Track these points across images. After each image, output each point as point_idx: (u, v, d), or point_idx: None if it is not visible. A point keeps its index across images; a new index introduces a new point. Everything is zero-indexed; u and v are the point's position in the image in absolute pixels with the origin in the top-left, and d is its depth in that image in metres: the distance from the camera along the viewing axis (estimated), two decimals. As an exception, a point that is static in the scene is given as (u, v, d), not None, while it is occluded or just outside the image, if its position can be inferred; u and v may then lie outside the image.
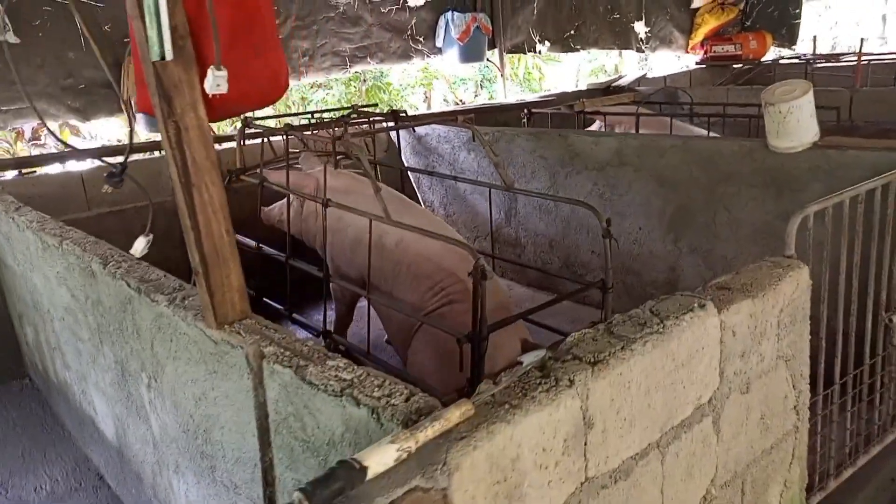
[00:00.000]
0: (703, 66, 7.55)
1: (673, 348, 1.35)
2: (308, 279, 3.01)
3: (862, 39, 5.70)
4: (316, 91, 6.57)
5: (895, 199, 2.19)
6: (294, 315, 3.21)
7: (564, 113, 4.91)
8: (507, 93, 5.74)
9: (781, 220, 2.96)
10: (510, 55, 6.05)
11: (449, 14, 5.22)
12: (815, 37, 7.26)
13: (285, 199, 3.16)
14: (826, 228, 1.99)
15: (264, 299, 3.40)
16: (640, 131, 4.56)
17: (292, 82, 4.59)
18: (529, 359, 1.23)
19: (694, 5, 7.58)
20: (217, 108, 1.45)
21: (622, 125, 4.66)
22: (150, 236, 2.13)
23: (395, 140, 4.74)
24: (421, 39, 5.24)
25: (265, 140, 3.35)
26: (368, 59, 4.89)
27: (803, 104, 2.73)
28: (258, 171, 3.14)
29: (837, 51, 9.72)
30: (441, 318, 2.73)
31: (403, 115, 3.58)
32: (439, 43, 5.32)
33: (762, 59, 7.25)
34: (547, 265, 4.11)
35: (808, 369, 1.81)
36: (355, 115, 3.62)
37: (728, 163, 3.12)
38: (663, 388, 1.34)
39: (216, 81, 1.29)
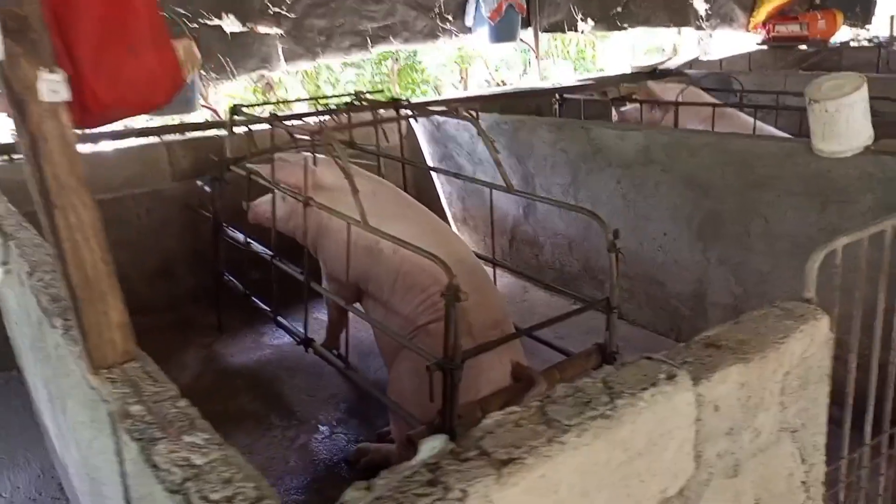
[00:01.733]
0: (766, 47, 6.96)
1: (625, 436, 1.06)
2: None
3: None
4: (343, 71, 6.32)
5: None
6: (279, 318, 3.02)
7: (599, 100, 4.54)
8: (555, 73, 5.37)
9: (826, 234, 2.60)
10: (554, 34, 5.67)
11: (480, -9, 4.88)
12: (892, 16, 6.57)
13: (271, 195, 2.94)
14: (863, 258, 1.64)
15: (253, 298, 3.22)
16: (683, 124, 4.17)
17: (309, 63, 4.36)
18: (425, 451, 0.96)
19: (758, -20, 6.97)
20: (95, 114, 1.22)
21: (661, 114, 4.26)
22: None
23: (415, 128, 4.48)
24: (450, 18, 4.92)
25: (249, 129, 3.13)
26: (392, 39, 4.61)
27: (855, 102, 2.32)
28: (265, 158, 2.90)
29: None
30: (427, 336, 2.48)
31: (406, 103, 3.29)
32: (469, 22, 4.99)
33: (830, 41, 6.62)
34: (566, 268, 3.79)
35: (824, 437, 1.49)
36: (358, 104, 3.36)
37: (766, 166, 2.74)
38: (610, 487, 1.06)
39: (51, 87, 1.06)
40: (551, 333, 3.29)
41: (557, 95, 4.68)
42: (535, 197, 2.85)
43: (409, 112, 3.22)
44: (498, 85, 8.64)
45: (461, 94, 5.62)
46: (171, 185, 3.76)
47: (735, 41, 7.44)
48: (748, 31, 7.15)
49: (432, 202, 4.56)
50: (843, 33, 7.00)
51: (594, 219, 2.36)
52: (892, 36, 6.54)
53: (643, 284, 3.38)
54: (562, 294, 2.77)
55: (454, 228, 4.55)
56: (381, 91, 4.35)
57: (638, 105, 4.39)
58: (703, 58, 6.53)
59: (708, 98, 4.29)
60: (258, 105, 3.45)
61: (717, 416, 1.20)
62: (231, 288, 3.36)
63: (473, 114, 2.88)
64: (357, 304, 2.83)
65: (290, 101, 4.10)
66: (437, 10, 4.81)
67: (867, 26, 6.80)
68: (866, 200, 2.45)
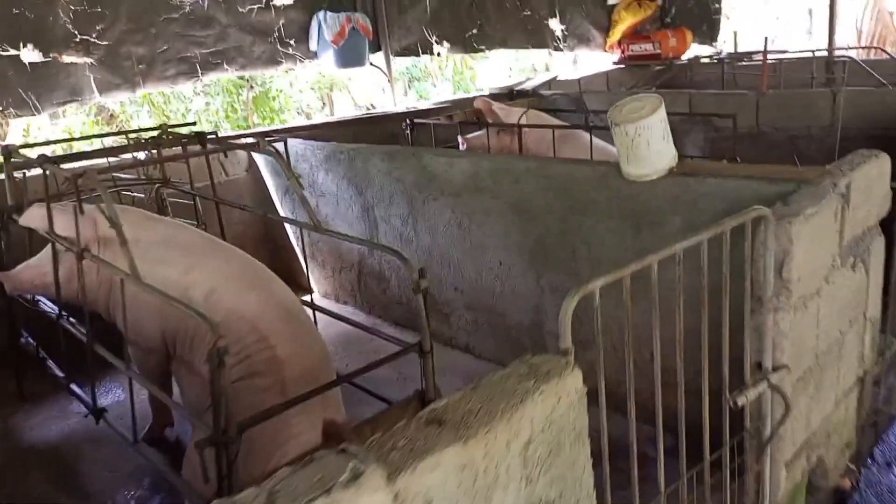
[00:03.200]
0: (623, 66, 7.15)
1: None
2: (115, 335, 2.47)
3: (766, 38, 5.32)
4: (192, 100, 5.97)
5: (728, 253, 1.74)
6: (72, 385, 2.68)
7: (447, 124, 4.43)
8: (428, 94, 5.23)
9: (642, 258, 2.54)
10: (408, 57, 5.56)
11: (321, 14, 4.69)
12: (735, 32, 6.91)
13: (40, 257, 2.59)
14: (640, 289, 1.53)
15: (47, 363, 2.86)
16: (531, 147, 4.12)
17: (127, 94, 4.02)
18: None
19: (611, 1, 7.17)
20: None
21: (510, 138, 4.19)
22: None
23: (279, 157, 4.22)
24: (291, 42, 4.70)
25: (24, 174, 2.78)
26: (226, 66, 4.33)
27: (653, 124, 2.27)
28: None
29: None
30: (236, 395, 2.22)
31: (212, 136, 3.04)
32: (313, 46, 4.79)
33: (680, 59, 6.87)
34: (413, 303, 3.61)
35: (592, 500, 1.35)
36: (164, 138, 3.07)
37: (583, 190, 2.67)
38: None
39: None
40: (395, 374, 3.12)
41: (408, 120, 4.54)
42: (340, 235, 2.63)
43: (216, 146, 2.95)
44: (368, 109, 8.51)
45: (313, 120, 5.39)
46: (-40, 236, 3.33)
47: (602, 61, 7.62)
48: (605, 50, 7.33)
49: (283, 237, 4.31)
50: (694, 50, 7.30)
51: (398, 258, 2.19)
52: (735, 52, 6.85)
53: (486, 316, 3.25)
54: (379, 336, 2.57)
55: (303, 264, 4.30)
56: (193, 123, 4.05)
57: (486, 130, 4.31)
58: (562, 77, 6.60)
59: (550, 120, 4.26)
60: (46, 144, 3.09)
61: (429, 510, 1.03)
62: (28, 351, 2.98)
63: (276, 148, 2.67)
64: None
65: (90, 137, 3.72)
66: (276, 34, 4.58)
67: (714, 43, 7.11)
68: (675, 222, 2.41)
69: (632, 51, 7.10)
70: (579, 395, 1.27)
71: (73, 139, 3.73)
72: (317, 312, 2.76)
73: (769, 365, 1.87)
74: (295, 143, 3.97)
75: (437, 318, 3.50)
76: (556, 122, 4.32)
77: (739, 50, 7.08)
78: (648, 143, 2.30)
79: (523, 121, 4.14)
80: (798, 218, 1.84)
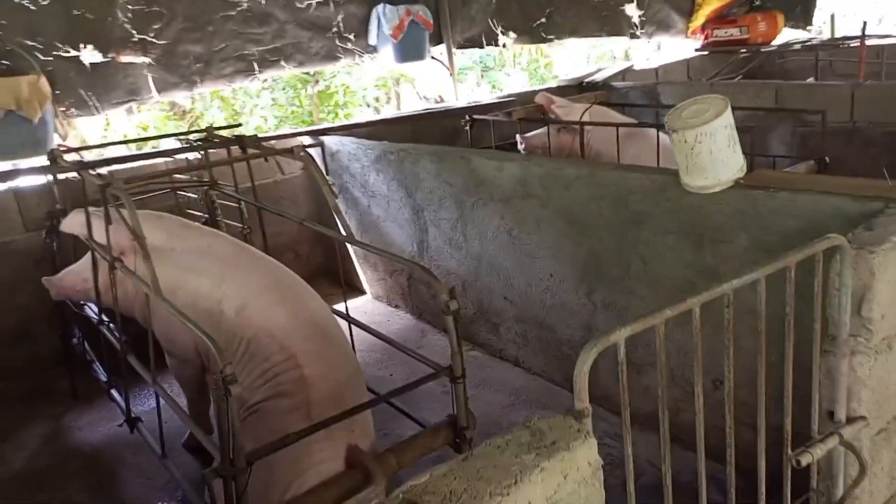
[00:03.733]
0: (706, 53, 6.69)
1: None
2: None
3: (865, 22, 4.80)
4: (260, 96, 5.99)
5: (793, 289, 1.49)
6: (111, 391, 2.68)
7: (507, 121, 4.22)
8: (501, 85, 5.03)
9: (703, 277, 2.29)
10: (471, 49, 5.37)
11: (381, 7, 4.57)
12: (832, 15, 6.32)
13: (81, 263, 2.58)
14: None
15: (93, 366, 2.88)
16: (596, 147, 3.87)
17: (185, 93, 4.03)
18: None
19: (695, -17, 6.71)
20: None
21: (571, 137, 3.95)
22: None
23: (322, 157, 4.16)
24: (351, 37, 4.61)
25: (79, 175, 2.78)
26: (283, 63, 4.28)
27: (716, 130, 2.01)
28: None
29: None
30: (260, 417, 2.15)
31: (253, 138, 2.96)
32: (373, 40, 4.67)
33: (769, 45, 6.35)
34: (462, 311, 3.44)
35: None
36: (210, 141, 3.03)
37: (639, 201, 2.43)
38: None
39: None
40: (439, 388, 2.98)
41: (467, 116, 4.35)
42: (369, 247, 2.45)
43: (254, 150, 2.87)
44: (437, 102, 8.35)
45: (375, 116, 5.28)
46: (23, 235, 3.42)
47: (684, 48, 7.17)
48: (687, 36, 6.88)
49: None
50: (786, 35, 6.74)
51: (427, 274, 2.04)
52: (833, 37, 6.28)
53: (535, 329, 3.05)
54: (412, 355, 2.42)
55: (357, 266, 4.22)
56: (239, 125, 4.00)
57: (547, 128, 4.08)
58: (639, 67, 6.24)
59: (616, 117, 3.99)
60: (95, 147, 3.11)
61: None
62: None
63: (310, 154, 2.56)
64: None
65: (127, 142, 3.73)
66: (335, 29, 4.49)
67: (808, 27, 6.54)
68: (741, 240, 2.14)
69: (716, 36, 6.62)
70: (593, 470, 1.08)
71: (125, 141, 3.74)
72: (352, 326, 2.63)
73: (842, 416, 1.61)
74: (347, 143, 3.88)
75: (486, 329, 3.34)
76: (622, 118, 4.04)
77: (837, 35, 6.51)
78: (711, 152, 2.05)
79: (586, 118, 3.89)
80: (883, 246, 1.56)
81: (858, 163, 4.15)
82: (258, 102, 5.99)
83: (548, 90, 5.46)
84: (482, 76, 10.68)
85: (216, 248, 2.47)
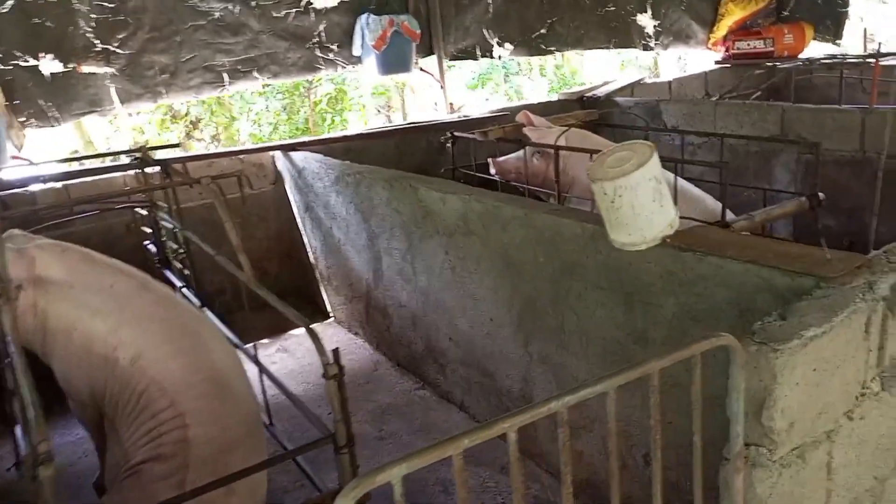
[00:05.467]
0: (728, 66, 6.31)
1: None
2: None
3: (880, 43, 4.40)
4: (255, 102, 5.88)
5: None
6: (14, 429, 2.55)
7: (486, 140, 3.98)
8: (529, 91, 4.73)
9: (633, 340, 2.04)
10: (464, 61, 5.14)
11: (364, 17, 4.38)
12: (865, 30, 5.88)
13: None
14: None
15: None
16: (574, 175, 3.61)
17: (150, 104, 3.91)
18: None
19: (717, -8, 6.33)
20: None
21: (545, 163, 3.69)
22: None
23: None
24: (333, 47, 4.43)
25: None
26: (256, 74, 4.13)
27: (637, 183, 1.76)
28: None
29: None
30: (135, 481, 2.00)
31: (176, 161, 2.80)
32: (357, 51, 4.49)
33: (796, 58, 5.94)
34: (412, 346, 3.26)
35: None
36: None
37: (572, 250, 2.18)
38: None
39: None
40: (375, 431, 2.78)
41: (448, 134, 4.13)
42: (265, 292, 2.17)
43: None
44: (451, 111, 8.13)
45: (352, 131, 5.07)
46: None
47: (708, 59, 6.79)
48: (709, 48, 6.51)
49: (305, 256, 4.08)
50: (814, 48, 6.32)
51: (309, 334, 1.84)
52: (866, 52, 5.82)
53: (477, 374, 2.83)
54: (304, 413, 2.22)
55: (322, 288, 4.05)
56: (177, 145, 3.85)
57: (526, 150, 3.83)
58: (652, 80, 5.91)
59: (597, 140, 3.72)
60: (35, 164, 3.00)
61: None
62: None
63: (219, 185, 2.38)
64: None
65: (70, 160, 3.62)
66: (316, 39, 4.33)
67: (838, 41, 6.10)
68: (670, 305, 1.89)
69: (737, 48, 6.25)
70: None
71: (70, 159, 3.64)
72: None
73: (738, 541, 1.35)
74: (312, 160, 3.71)
75: (434, 368, 3.12)
76: (604, 142, 3.77)
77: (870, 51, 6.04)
78: (633, 207, 1.79)
79: (562, 142, 3.63)
80: (790, 344, 1.30)
81: (867, 197, 3.80)
82: (254, 108, 5.87)
83: (547, 105, 5.22)
84: (505, 81, 10.43)
85: (119, 288, 2.31)
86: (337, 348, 1.82)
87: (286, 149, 4.03)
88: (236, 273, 2.21)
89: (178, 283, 2.94)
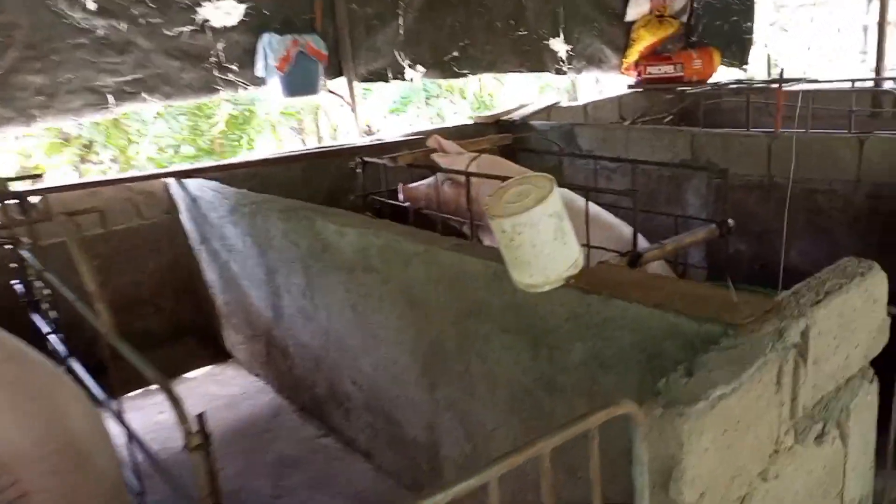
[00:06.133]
0: (640, 90, 6.40)
1: None
2: None
3: (782, 69, 4.52)
4: (155, 122, 5.52)
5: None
6: None
7: (395, 166, 3.81)
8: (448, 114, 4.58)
9: (541, 387, 1.89)
10: (375, 83, 4.98)
11: (266, 37, 4.15)
12: (769, 55, 6.08)
13: None
14: None
15: None
16: (479, 202, 3.47)
17: (22, 129, 3.56)
18: None
19: (629, 18, 6.43)
20: None
21: (454, 191, 3.55)
22: None
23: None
24: (234, 67, 4.18)
25: None
26: (145, 95, 3.83)
27: (536, 220, 1.61)
28: None
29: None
30: None
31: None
32: (260, 72, 4.25)
33: (705, 83, 6.07)
34: (315, 388, 3.02)
35: None
36: None
37: (476, 289, 2.02)
38: None
39: None
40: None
41: (358, 159, 3.94)
42: (122, 344, 1.91)
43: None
44: (365, 133, 7.94)
45: (255, 156, 4.80)
46: None
47: (621, 83, 6.86)
48: (622, 72, 6.59)
49: (204, 289, 3.77)
50: (722, 73, 6.49)
51: (173, 402, 1.60)
52: (769, 77, 6.01)
53: (382, 421, 2.62)
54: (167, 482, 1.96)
55: (223, 324, 3.75)
56: (39, 176, 3.51)
57: (439, 176, 3.69)
58: (567, 104, 5.91)
59: (509, 167, 3.61)
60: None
61: None
62: None
63: (74, 224, 2.11)
64: None
65: None
66: (213, 59, 4.06)
67: (744, 66, 6.29)
68: (578, 350, 1.75)
69: (649, 73, 6.35)
70: None
71: None
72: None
73: None
74: (206, 189, 3.44)
75: (339, 413, 2.90)
76: (517, 168, 3.67)
77: (777, 74, 6.24)
78: (534, 245, 1.64)
79: (473, 168, 3.50)
80: (697, 406, 1.16)
81: (776, 221, 3.83)
82: (148, 131, 5.51)
83: (462, 128, 5.11)
84: (427, 104, 10.33)
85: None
86: (202, 413, 1.58)
87: (180, 175, 3.74)
88: (94, 322, 1.94)
89: (46, 329, 2.63)
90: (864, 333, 1.58)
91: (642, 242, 3.21)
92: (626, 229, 3.33)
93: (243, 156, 5.22)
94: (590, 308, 1.68)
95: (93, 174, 5.72)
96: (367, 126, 8.12)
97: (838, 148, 3.50)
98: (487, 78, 9.68)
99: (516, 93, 10.43)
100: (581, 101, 5.99)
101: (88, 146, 5.89)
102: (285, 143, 6.78)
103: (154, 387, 3.42)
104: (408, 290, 2.28)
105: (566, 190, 3.18)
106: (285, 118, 6.33)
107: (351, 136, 4.90)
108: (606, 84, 8.18)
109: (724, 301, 1.50)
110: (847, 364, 1.55)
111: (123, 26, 3.69)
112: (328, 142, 6.40)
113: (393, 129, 7.73)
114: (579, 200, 3.29)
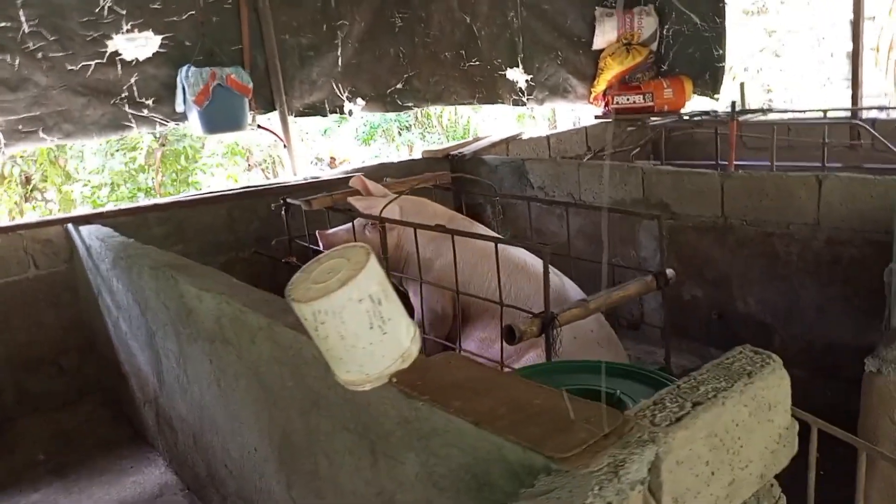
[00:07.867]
0: (608, 120, 6.09)
1: None
2: None
3: (734, 102, 4.20)
4: (90, 158, 5.24)
5: None
6: None
7: (314, 209, 3.48)
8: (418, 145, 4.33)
9: (384, 501, 1.54)
10: (312, 117, 4.68)
11: (184, 69, 3.87)
12: (742, 84, 5.77)
13: None
14: None
15: None
16: (402, 248, 3.17)
17: None
18: None
19: (596, 46, 6.15)
20: None
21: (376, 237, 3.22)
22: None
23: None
24: (149, 103, 3.89)
25: None
26: (42, 134, 3.54)
27: (341, 306, 1.27)
28: None
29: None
30: None
31: None
32: (179, 107, 3.96)
33: (677, 112, 5.75)
34: (196, 468, 2.66)
35: None
36: None
37: (314, 376, 1.68)
38: None
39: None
40: None
41: (281, 200, 3.62)
42: None
43: None
44: (331, 166, 7.67)
45: (172, 197, 4.46)
46: None
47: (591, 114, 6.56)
48: (590, 102, 6.29)
49: (110, 349, 3.43)
50: (695, 103, 6.17)
51: None
52: (743, 107, 5.68)
53: (251, 516, 2.26)
54: None
55: (123, 386, 3.40)
56: None
57: (362, 221, 3.37)
58: (529, 135, 5.59)
59: (433, 210, 3.29)
60: None
61: None
62: None
63: None
64: None
65: None
66: (124, 94, 3.77)
67: (716, 96, 5.97)
68: (411, 463, 1.39)
69: (617, 103, 6.03)
70: None
71: None
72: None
73: None
74: (96, 237, 3.13)
75: (217, 498, 2.53)
76: (442, 211, 3.35)
77: (750, 105, 5.95)
78: (342, 336, 1.30)
79: (394, 211, 3.17)
80: None
81: (731, 267, 3.48)
82: (82, 166, 5.22)
83: (413, 163, 4.80)
84: (399, 134, 10.07)
85: None
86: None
87: (79, 221, 3.43)
88: None
89: None
90: (756, 450, 1.23)
91: (580, 295, 2.87)
92: (570, 285, 3.00)
93: (157, 199, 4.92)
94: (418, 414, 1.34)
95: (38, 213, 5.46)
96: (332, 158, 7.86)
97: (795, 188, 3.16)
98: (464, 107, 9.44)
99: (494, 122, 10.19)
100: (544, 133, 5.67)
101: (26, 183, 5.61)
102: (242, 178, 6.50)
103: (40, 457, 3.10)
104: (257, 370, 1.94)
105: (511, 247, 2.86)
106: (231, 155, 6.04)
107: (286, 175, 4.60)
108: (582, 114, 7.90)
109: (557, 417, 1.14)
110: (732, 492, 1.20)
111: (17, 61, 3.41)
112: (289, 177, 6.11)
113: (358, 161, 7.45)
114: (516, 251, 2.97)
